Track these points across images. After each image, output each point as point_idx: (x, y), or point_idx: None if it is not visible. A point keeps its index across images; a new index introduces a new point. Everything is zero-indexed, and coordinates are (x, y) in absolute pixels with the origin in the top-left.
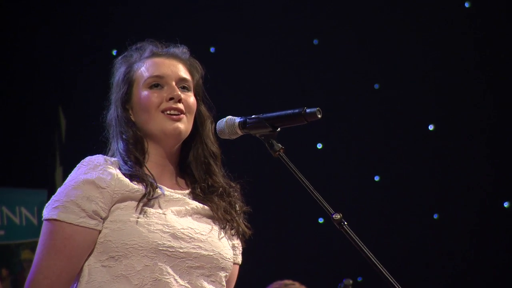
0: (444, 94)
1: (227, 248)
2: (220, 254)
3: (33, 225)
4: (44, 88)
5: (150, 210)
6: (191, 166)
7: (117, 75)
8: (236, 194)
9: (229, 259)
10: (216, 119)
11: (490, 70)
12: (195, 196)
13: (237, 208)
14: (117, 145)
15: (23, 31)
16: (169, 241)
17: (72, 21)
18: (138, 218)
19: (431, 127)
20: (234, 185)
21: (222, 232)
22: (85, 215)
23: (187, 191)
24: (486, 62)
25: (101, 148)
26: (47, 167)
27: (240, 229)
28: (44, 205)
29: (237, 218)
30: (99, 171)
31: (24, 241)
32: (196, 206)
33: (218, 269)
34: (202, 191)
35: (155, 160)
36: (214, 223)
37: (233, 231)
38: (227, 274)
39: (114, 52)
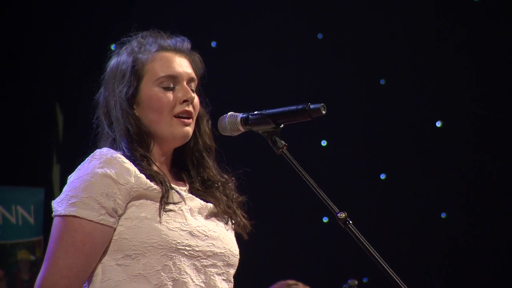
0: (452, 90)
1: (235, 244)
2: (230, 251)
3: (29, 224)
4: (41, 85)
5: (166, 208)
6: (186, 161)
7: (120, 64)
8: (230, 185)
9: (237, 255)
10: (218, 116)
11: (501, 66)
12: (194, 191)
13: (233, 200)
14: (120, 141)
15: (19, 28)
16: (187, 239)
17: (69, 17)
18: (156, 216)
19: (438, 124)
20: (227, 177)
21: (227, 227)
22: (105, 212)
23: (185, 188)
24: (497, 58)
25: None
26: (44, 165)
27: (241, 223)
28: (41, 203)
29: (237, 212)
30: (116, 166)
31: (21, 241)
32: (201, 204)
33: (229, 267)
34: (200, 185)
35: (156, 158)
36: (219, 219)
37: (234, 226)
38: (234, 270)
39: (112, 47)
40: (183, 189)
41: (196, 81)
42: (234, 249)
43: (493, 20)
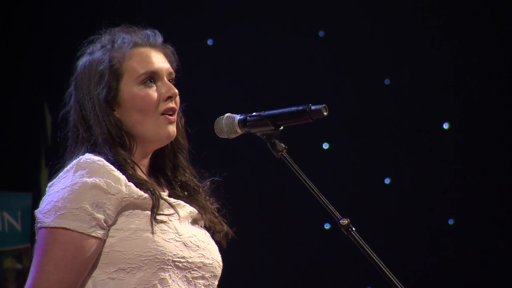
0: (460, 90)
1: (219, 255)
2: (217, 262)
3: (16, 231)
4: (29, 85)
5: (158, 219)
6: (163, 164)
7: (94, 64)
8: (205, 188)
9: (221, 266)
10: (214, 117)
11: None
12: (176, 197)
13: (212, 204)
14: (101, 145)
15: (6, 26)
16: (181, 251)
17: (58, 15)
18: (148, 227)
19: (445, 126)
20: (199, 182)
21: (211, 236)
22: (95, 223)
23: (165, 193)
24: (506, 56)
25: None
26: (32, 169)
27: (225, 230)
28: (28, 209)
29: (220, 219)
30: (105, 175)
31: (7, 249)
32: (188, 211)
33: (214, 278)
34: (181, 191)
35: (137, 161)
36: (204, 227)
37: (221, 234)
38: (217, 281)
39: None
40: (164, 195)
41: (174, 75)
42: (219, 259)
43: (506, 15)
